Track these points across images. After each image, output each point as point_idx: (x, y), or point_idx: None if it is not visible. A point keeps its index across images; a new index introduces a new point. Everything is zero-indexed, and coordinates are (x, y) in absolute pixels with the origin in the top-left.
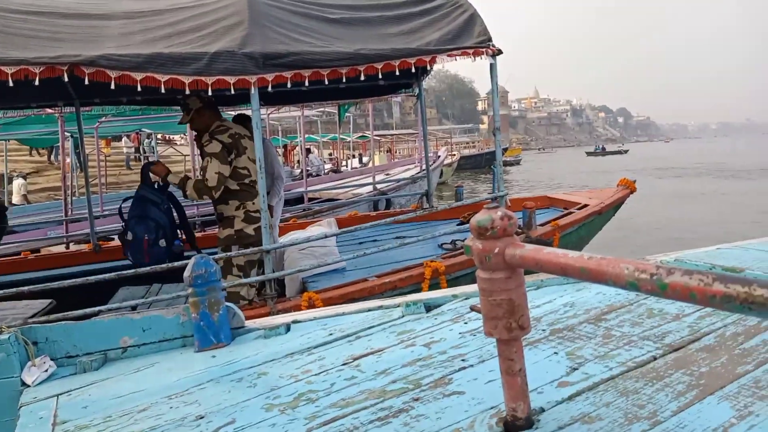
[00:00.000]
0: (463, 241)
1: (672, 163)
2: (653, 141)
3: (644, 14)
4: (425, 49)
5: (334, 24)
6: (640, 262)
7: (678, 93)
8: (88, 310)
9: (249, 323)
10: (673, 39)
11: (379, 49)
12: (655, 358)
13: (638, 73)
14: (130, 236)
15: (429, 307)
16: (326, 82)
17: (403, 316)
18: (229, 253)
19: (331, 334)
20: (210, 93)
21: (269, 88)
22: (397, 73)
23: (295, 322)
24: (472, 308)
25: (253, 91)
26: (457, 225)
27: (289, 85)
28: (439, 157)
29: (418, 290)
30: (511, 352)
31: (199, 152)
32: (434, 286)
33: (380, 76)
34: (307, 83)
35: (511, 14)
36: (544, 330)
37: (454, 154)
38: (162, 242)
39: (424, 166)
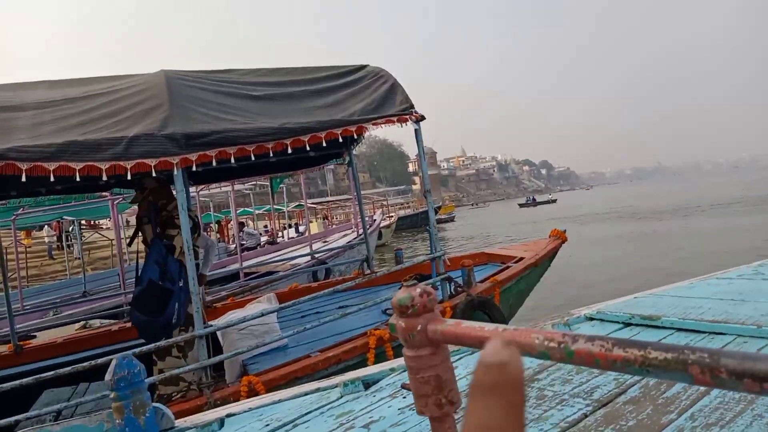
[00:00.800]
0: None
1: (594, 210)
2: (575, 189)
3: (555, 76)
4: (350, 120)
5: (257, 101)
6: (549, 332)
7: (594, 143)
8: (3, 422)
9: (180, 422)
10: (587, 96)
11: (304, 122)
12: (585, 416)
13: (558, 128)
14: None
15: (368, 383)
16: (253, 158)
17: (341, 397)
18: (159, 343)
19: (267, 425)
20: (130, 178)
21: (194, 168)
22: (324, 144)
23: (229, 415)
24: (404, 386)
25: (176, 172)
26: (399, 289)
27: (214, 164)
28: (375, 220)
29: (364, 361)
30: (444, 429)
31: (130, 237)
32: (380, 354)
33: (308, 148)
34: (233, 160)
35: (433, 81)
36: None
37: (392, 216)
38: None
39: (361, 231)
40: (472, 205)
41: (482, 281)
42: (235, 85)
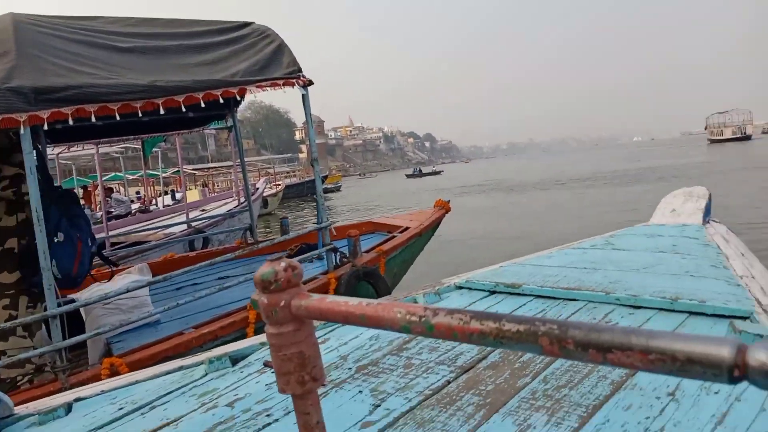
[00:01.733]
0: None
1: (474, 182)
2: (455, 162)
3: (442, 56)
4: (232, 81)
5: (125, 53)
6: (411, 305)
7: (474, 118)
8: None
9: (20, 408)
10: (472, 75)
11: (179, 81)
12: (449, 382)
13: (440, 101)
14: (61, 237)
15: (235, 359)
16: (118, 117)
17: (206, 375)
18: (5, 324)
19: (120, 409)
20: None
21: (45, 126)
22: (203, 105)
23: (78, 399)
24: (266, 364)
25: (23, 130)
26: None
27: (71, 122)
28: (258, 189)
29: (244, 336)
30: (306, 406)
31: None
32: (261, 329)
33: (184, 109)
34: (93, 119)
35: (321, 46)
36: (350, 368)
37: (279, 184)
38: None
39: (243, 200)
40: (360, 175)
41: (368, 251)
42: (98, 35)
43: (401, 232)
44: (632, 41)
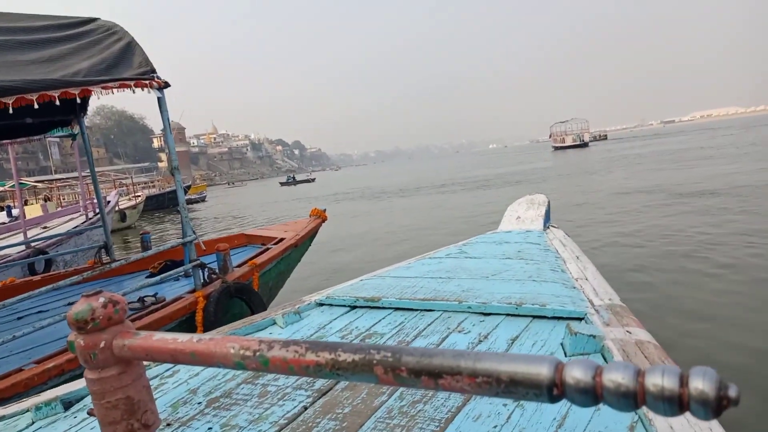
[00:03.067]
0: (154, 296)
1: (346, 188)
2: (325, 170)
3: (309, 65)
4: (73, 80)
5: None
6: (245, 340)
7: (344, 127)
8: None
9: None
10: (341, 83)
11: (8, 81)
12: (305, 408)
13: (309, 109)
14: None
15: (68, 402)
16: None
17: (32, 423)
18: None
19: None
20: None
21: None
22: (37, 107)
23: None
24: (89, 413)
25: None
26: (146, 278)
27: None
28: (110, 202)
29: None
30: None
31: None
32: None
33: (11, 112)
34: None
35: (179, 47)
36: (200, 403)
37: (139, 196)
38: None
39: (92, 214)
40: (228, 184)
41: (240, 265)
42: None
43: (276, 243)
44: (486, 52)
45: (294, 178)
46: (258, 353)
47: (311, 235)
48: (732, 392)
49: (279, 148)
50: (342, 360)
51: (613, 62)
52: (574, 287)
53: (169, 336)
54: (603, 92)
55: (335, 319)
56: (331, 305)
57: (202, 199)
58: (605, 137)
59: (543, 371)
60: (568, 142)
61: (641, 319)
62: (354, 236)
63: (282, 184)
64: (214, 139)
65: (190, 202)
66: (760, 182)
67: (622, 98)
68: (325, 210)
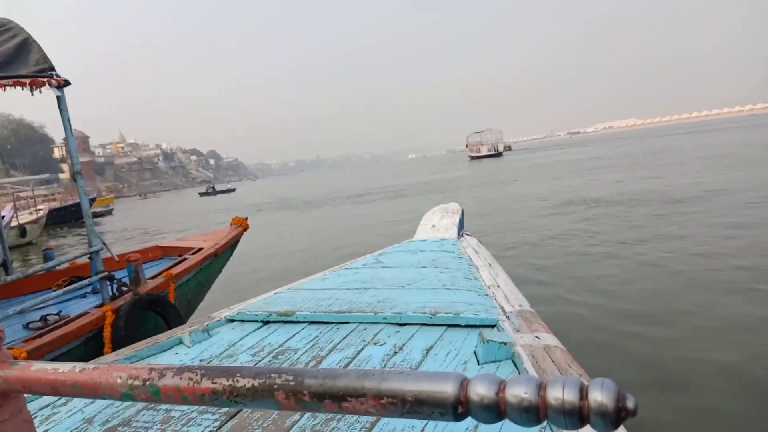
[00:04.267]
0: (57, 314)
1: (267, 198)
2: (242, 180)
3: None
4: None
5: None
6: (134, 368)
7: (261, 135)
8: None
9: None
10: (256, 89)
11: None
12: None
13: (225, 118)
14: None
15: None
16: None
17: None
18: None
19: None
20: None
21: None
22: None
23: None
24: None
25: None
26: (51, 293)
27: None
28: (4, 216)
29: None
30: None
31: None
32: None
33: None
34: None
35: (83, 48)
36: None
37: (41, 209)
38: None
39: None
40: (141, 195)
41: (154, 277)
42: None
43: (194, 253)
44: (409, 64)
45: (214, 188)
46: (148, 383)
47: (232, 244)
48: (630, 403)
49: (193, 157)
50: (240, 386)
51: (524, 77)
52: (487, 294)
53: (50, 366)
54: (515, 105)
55: (246, 335)
56: (242, 321)
57: (109, 213)
58: (509, 148)
59: (448, 389)
60: (484, 151)
61: (549, 324)
62: (273, 247)
63: (201, 194)
64: (122, 148)
65: (95, 215)
66: (637, 191)
67: (533, 110)
68: (246, 218)
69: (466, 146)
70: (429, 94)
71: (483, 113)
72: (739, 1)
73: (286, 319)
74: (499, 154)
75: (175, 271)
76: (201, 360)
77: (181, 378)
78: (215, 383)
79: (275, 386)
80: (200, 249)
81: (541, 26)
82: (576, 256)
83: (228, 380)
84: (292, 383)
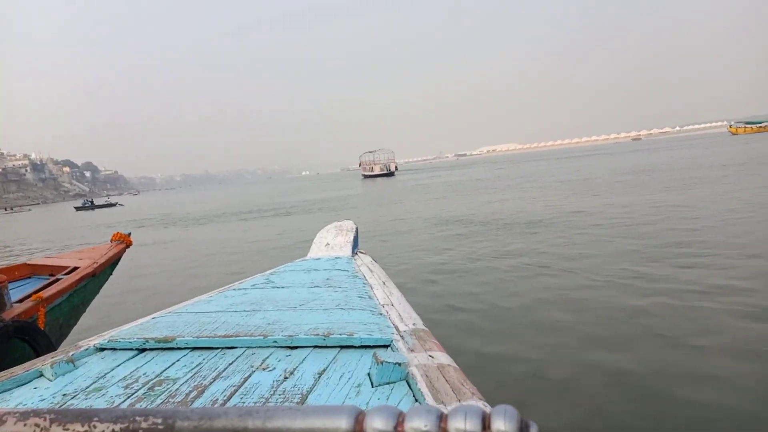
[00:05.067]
0: None
1: (153, 213)
2: (122, 194)
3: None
4: None
5: None
6: None
7: (144, 147)
8: None
9: None
10: (141, 94)
11: None
12: None
13: (103, 128)
14: None
15: None
16: None
17: None
18: None
19: None
20: None
21: None
22: None
23: None
24: None
25: None
26: None
27: None
28: None
29: None
30: None
31: None
32: None
33: None
34: None
35: None
36: None
37: None
38: None
39: None
40: (6, 209)
41: (22, 300)
42: None
43: (68, 273)
44: (302, 78)
45: (92, 202)
46: None
47: (113, 262)
48: (533, 431)
49: (66, 169)
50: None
51: (415, 100)
52: (381, 314)
53: None
54: (406, 126)
55: (119, 365)
56: (114, 350)
57: None
58: (396, 168)
59: (342, 425)
60: (377, 171)
61: (442, 342)
62: (155, 266)
63: (78, 208)
64: None
65: None
66: (502, 212)
67: (424, 132)
68: (129, 234)
69: (360, 165)
70: (322, 111)
71: (376, 133)
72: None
73: (164, 346)
74: (391, 174)
75: (46, 293)
76: (64, 395)
77: (25, 425)
78: (66, 429)
79: (140, 431)
80: (76, 268)
81: (435, 53)
82: (463, 276)
83: (83, 426)
84: (161, 427)
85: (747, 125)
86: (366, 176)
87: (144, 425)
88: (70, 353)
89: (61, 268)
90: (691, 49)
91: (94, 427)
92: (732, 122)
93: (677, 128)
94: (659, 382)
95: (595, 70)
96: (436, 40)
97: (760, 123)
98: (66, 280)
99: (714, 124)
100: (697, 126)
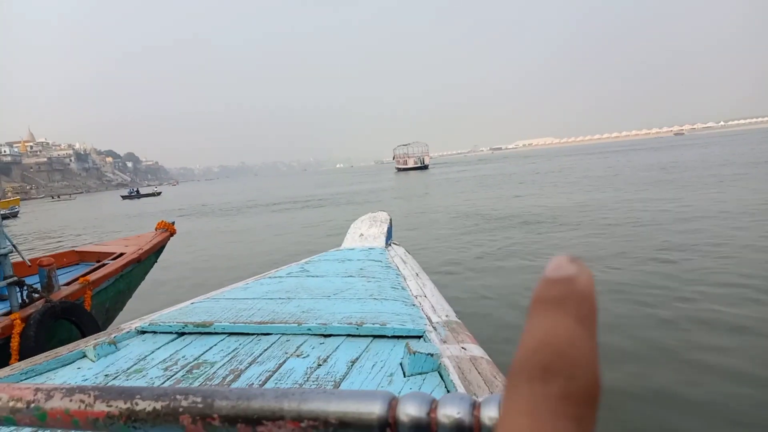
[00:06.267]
0: None
1: (196, 202)
2: (162, 184)
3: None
4: None
5: None
6: (18, 386)
7: (184, 138)
8: None
9: None
10: (177, 88)
11: None
12: None
13: (146, 118)
14: None
15: None
16: None
17: None
18: None
19: None
20: None
21: None
22: None
23: None
24: None
25: None
26: None
27: None
28: None
29: None
30: None
31: None
32: None
33: None
34: None
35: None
36: None
37: None
38: None
39: None
40: (54, 197)
41: (69, 283)
42: None
43: (114, 259)
44: (338, 71)
45: (138, 191)
46: (32, 405)
47: (157, 250)
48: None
49: (109, 159)
50: (140, 410)
51: (451, 94)
52: (414, 305)
53: None
54: (441, 120)
55: (159, 348)
56: (154, 333)
57: (14, 215)
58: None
59: (375, 410)
60: (410, 164)
61: (475, 335)
62: (198, 254)
63: (124, 197)
64: (31, 147)
65: None
66: (520, 207)
67: (458, 126)
68: (173, 223)
69: (393, 158)
70: (358, 104)
71: (411, 126)
72: (657, 34)
73: (202, 331)
74: (425, 167)
75: (92, 277)
76: (106, 375)
77: (71, 400)
78: (111, 406)
79: (180, 409)
80: (121, 254)
81: (469, 47)
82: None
83: (126, 403)
84: (200, 405)
85: None
86: (399, 169)
87: (184, 404)
88: (112, 335)
89: (107, 255)
90: (732, 44)
91: (137, 404)
92: None
93: (721, 123)
94: None
95: (642, 64)
96: (469, 32)
97: None
98: (112, 265)
99: (761, 119)
100: (741, 121)
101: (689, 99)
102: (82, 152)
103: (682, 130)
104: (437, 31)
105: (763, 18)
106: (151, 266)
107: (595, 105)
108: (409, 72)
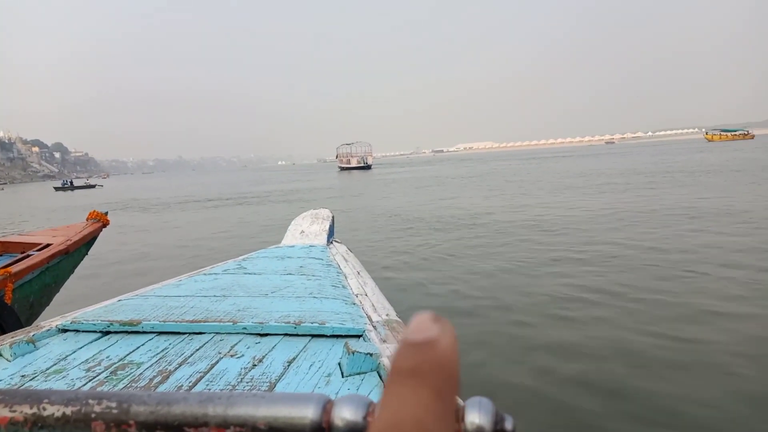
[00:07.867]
0: None
1: (138, 196)
2: (92, 177)
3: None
4: None
5: None
6: None
7: (114, 130)
8: None
9: None
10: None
11: None
12: None
13: (77, 108)
14: None
15: None
16: None
17: None
18: None
19: None
20: None
21: None
22: None
23: None
24: None
25: None
26: None
27: None
28: None
29: None
30: None
31: None
32: None
33: None
34: None
35: None
36: None
37: None
38: None
39: None
40: None
41: None
42: None
43: (40, 250)
44: (281, 67)
45: (71, 182)
46: None
47: (88, 241)
48: (508, 425)
49: (35, 149)
50: (47, 415)
51: (393, 97)
52: (354, 303)
53: None
54: (384, 121)
55: (81, 348)
56: (77, 331)
57: None
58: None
59: (308, 414)
60: (354, 163)
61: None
62: (132, 249)
63: (57, 188)
64: None
65: None
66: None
67: (401, 127)
68: (106, 213)
69: (336, 157)
70: (301, 101)
71: (354, 127)
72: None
73: (129, 329)
74: (368, 167)
75: (14, 269)
76: (23, 376)
77: None
78: (14, 411)
79: (93, 415)
80: (48, 245)
81: (420, 55)
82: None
83: (32, 408)
84: (115, 411)
85: (723, 132)
86: (342, 168)
87: (97, 409)
88: (31, 333)
89: (33, 245)
90: (669, 64)
91: (44, 409)
92: (706, 129)
93: (649, 133)
94: None
95: (579, 78)
96: (418, 39)
97: (735, 131)
98: (36, 257)
99: (688, 130)
100: (669, 132)
101: (622, 111)
102: (7, 141)
103: (613, 139)
104: (395, 38)
105: (694, 38)
106: (81, 259)
107: (535, 113)
108: (361, 72)
